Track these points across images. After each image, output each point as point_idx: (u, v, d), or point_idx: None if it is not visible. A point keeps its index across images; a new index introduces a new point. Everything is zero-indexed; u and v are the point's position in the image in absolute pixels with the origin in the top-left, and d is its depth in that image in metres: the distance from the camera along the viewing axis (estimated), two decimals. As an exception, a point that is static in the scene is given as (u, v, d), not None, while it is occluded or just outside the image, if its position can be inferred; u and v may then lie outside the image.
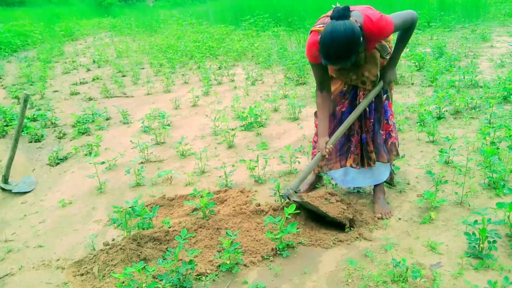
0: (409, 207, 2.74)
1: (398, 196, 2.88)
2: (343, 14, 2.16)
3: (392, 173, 2.85)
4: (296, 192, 2.58)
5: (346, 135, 2.65)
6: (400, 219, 2.62)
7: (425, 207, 2.69)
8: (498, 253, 2.20)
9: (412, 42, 7.85)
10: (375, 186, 2.79)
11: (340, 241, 2.43)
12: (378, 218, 2.64)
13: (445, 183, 2.79)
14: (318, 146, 2.57)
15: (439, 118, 4.05)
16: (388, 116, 2.64)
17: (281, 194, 2.70)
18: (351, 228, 2.52)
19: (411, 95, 4.98)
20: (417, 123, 4.02)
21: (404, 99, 4.82)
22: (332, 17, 2.19)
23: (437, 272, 2.09)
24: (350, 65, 2.35)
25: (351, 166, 2.70)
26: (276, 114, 4.67)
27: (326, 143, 2.52)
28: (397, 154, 2.74)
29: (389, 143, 2.68)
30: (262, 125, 4.34)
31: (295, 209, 2.37)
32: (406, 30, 2.44)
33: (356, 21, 2.21)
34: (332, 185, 3.06)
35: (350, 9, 2.22)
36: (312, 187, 3.06)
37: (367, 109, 2.55)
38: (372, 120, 2.59)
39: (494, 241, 2.17)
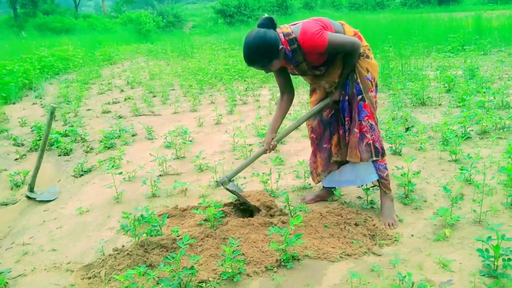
0: (423, 224, 2.64)
1: (414, 213, 2.78)
2: (262, 23, 2.43)
3: (380, 178, 2.74)
4: (230, 181, 2.78)
5: (329, 135, 2.84)
6: (413, 235, 2.53)
7: (440, 225, 2.58)
8: (515, 272, 2.07)
9: (443, 64, 7.71)
10: (380, 194, 2.78)
11: (348, 255, 2.37)
12: (384, 229, 2.59)
13: (461, 199, 2.68)
14: (264, 140, 2.75)
15: (463, 137, 3.91)
16: (361, 117, 2.63)
17: (216, 180, 2.93)
18: None
19: (437, 115, 4.85)
20: (440, 142, 3.90)
21: (430, 119, 4.71)
22: (257, 25, 2.46)
23: (446, 289, 1.99)
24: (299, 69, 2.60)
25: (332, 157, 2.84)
26: (296, 132, 4.67)
27: (273, 139, 2.72)
28: (372, 156, 2.66)
29: (364, 143, 2.65)
30: (281, 142, 4.34)
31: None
32: (346, 55, 2.56)
33: (292, 32, 2.45)
34: (344, 201, 2.99)
35: (295, 23, 2.51)
36: (319, 199, 3.05)
37: (345, 107, 2.69)
38: (348, 118, 2.69)
39: (509, 259, 2.04)
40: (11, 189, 3.82)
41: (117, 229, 2.88)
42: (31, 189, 3.60)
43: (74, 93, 7.66)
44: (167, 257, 2.18)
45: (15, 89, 7.95)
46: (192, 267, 2.14)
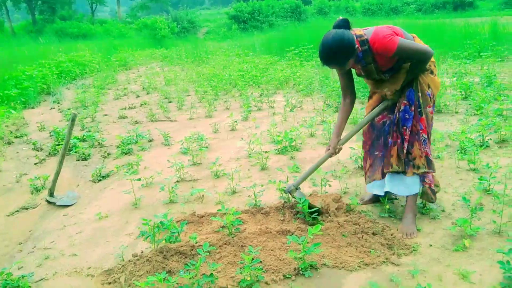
0: (442, 234, 2.62)
1: (432, 223, 2.77)
2: (338, 24, 2.54)
3: (427, 192, 2.76)
4: (297, 189, 2.88)
5: (384, 143, 2.83)
6: (431, 245, 2.51)
7: (459, 235, 2.56)
8: (537, 285, 2.05)
9: (459, 71, 7.64)
10: (406, 203, 2.78)
11: (366, 264, 2.37)
12: (402, 238, 2.60)
13: (481, 210, 2.65)
14: (330, 143, 2.85)
15: (481, 146, 3.87)
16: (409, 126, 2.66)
17: (282, 188, 2.97)
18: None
19: (454, 124, 4.81)
20: (457, 151, 3.87)
21: (446, 127, 4.67)
22: (333, 27, 2.55)
23: (467, 301, 1.98)
24: (365, 72, 2.68)
25: (383, 170, 2.83)
26: (312, 139, 4.68)
27: (338, 143, 2.82)
28: (425, 168, 2.69)
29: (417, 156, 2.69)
30: (296, 149, 4.36)
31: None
32: (416, 62, 2.57)
33: (364, 34, 2.54)
34: (362, 210, 2.99)
35: (368, 28, 2.60)
36: (371, 202, 3.11)
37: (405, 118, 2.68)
38: (404, 128, 2.68)
39: (531, 272, 2.02)
40: (31, 193, 3.89)
41: (135, 235, 2.92)
42: (51, 194, 3.67)
43: (91, 98, 7.79)
44: (187, 264, 2.21)
45: (34, 94, 8.13)
46: (211, 275, 2.17)
